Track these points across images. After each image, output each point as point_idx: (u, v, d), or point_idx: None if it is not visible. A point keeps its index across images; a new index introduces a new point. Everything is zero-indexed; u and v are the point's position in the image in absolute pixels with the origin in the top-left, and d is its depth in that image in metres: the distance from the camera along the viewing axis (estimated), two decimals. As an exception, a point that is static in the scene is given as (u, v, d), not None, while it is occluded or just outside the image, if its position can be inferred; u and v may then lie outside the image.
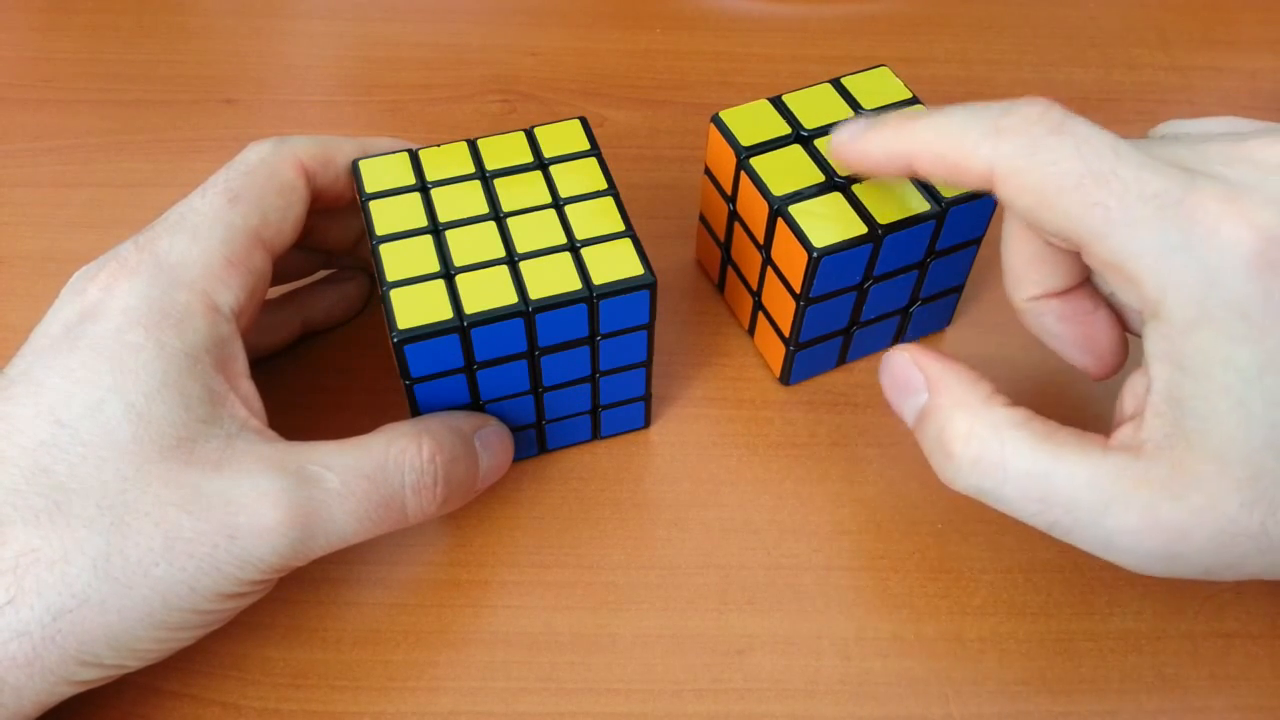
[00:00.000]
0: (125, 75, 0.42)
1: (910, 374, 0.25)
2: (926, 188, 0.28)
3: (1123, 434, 0.22)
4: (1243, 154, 0.22)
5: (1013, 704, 0.26)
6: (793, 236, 0.28)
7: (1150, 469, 0.21)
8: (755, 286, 0.31)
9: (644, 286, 0.26)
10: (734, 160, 0.30)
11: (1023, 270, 0.25)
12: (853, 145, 0.26)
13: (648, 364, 0.29)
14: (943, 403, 0.24)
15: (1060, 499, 0.22)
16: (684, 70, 0.43)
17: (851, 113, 0.30)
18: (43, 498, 0.21)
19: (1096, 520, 0.22)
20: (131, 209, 0.36)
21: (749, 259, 0.31)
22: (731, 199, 0.31)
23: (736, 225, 0.31)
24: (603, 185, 0.28)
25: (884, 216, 0.28)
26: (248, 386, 0.25)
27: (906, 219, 0.28)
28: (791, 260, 0.28)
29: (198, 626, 0.23)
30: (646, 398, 0.30)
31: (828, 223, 0.28)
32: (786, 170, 0.29)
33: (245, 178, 0.26)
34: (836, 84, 0.31)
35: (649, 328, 0.27)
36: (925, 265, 0.30)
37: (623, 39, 0.44)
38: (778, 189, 0.28)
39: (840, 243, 0.27)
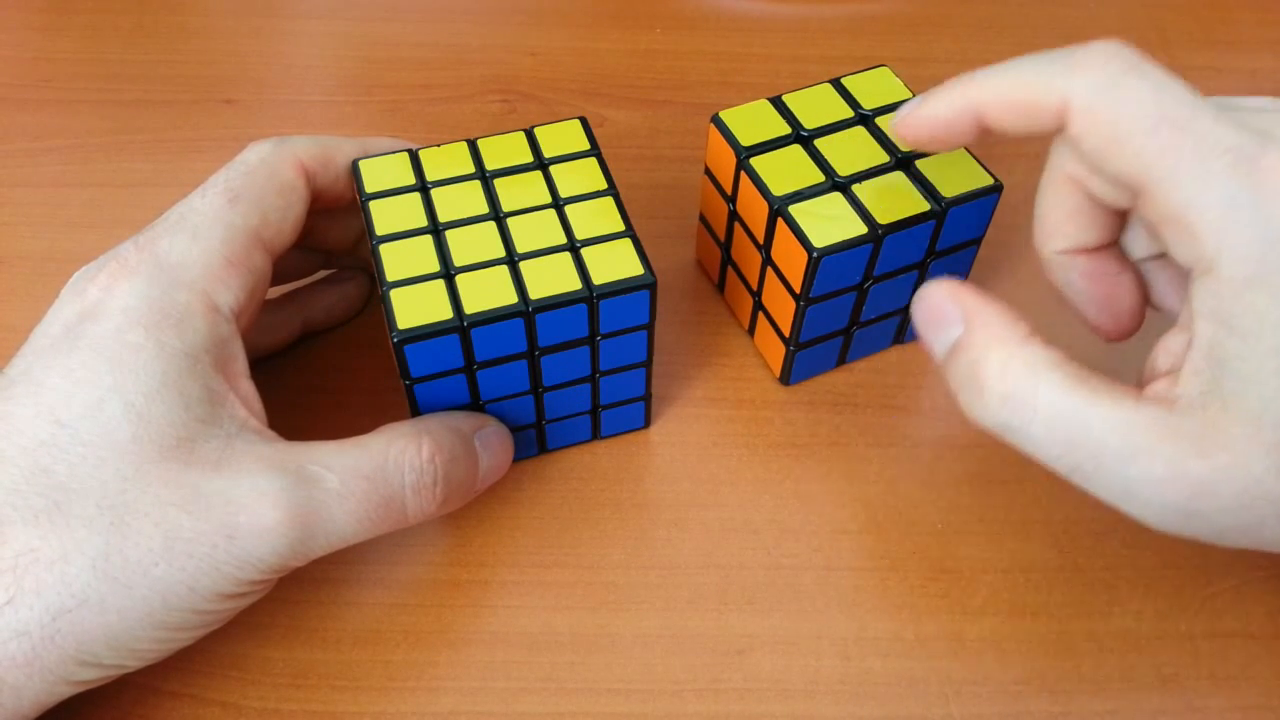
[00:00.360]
0: (125, 75, 0.42)
1: (947, 307, 0.24)
2: (926, 187, 0.28)
3: (1157, 388, 0.22)
4: None
5: (1013, 704, 0.26)
6: (793, 236, 0.28)
7: (1182, 423, 0.21)
8: (755, 286, 0.31)
9: (644, 286, 0.26)
10: (734, 160, 0.30)
11: (1058, 222, 0.25)
12: (918, 112, 0.25)
13: (648, 364, 0.29)
14: (979, 337, 0.23)
15: (1087, 443, 0.22)
16: (684, 70, 0.43)
17: (852, 113, 0.30)
18: (42, 497, 0.21)
19: (1121, 468, 0.21)
20: (131, 209, 0.36)
21: (749, 259, 0.31)
22: (731, 199, 0.31)
23: (736, 225, 0.31)
24: (603, 185, 0.28)
25: (884, 216, 0.28)
26: (247, 386, 0.25)
27: (906, 219, 0.28)
28: (791, 260, 0.28)
29: (197, 627, 0.23)
30: (646, 398, 0.30)
31: (828, 223, 0.28)
32: (786, 170, 0.29)
33: (245, 178, 0.26)
34: (836, 84, 0.31)
35: (649, 328, 0.27)
36: (925, 265, 0.30)
37: (623, 39, 0.44)
38: (778, 189, 0.28)
39: (840, 243, 0.27)
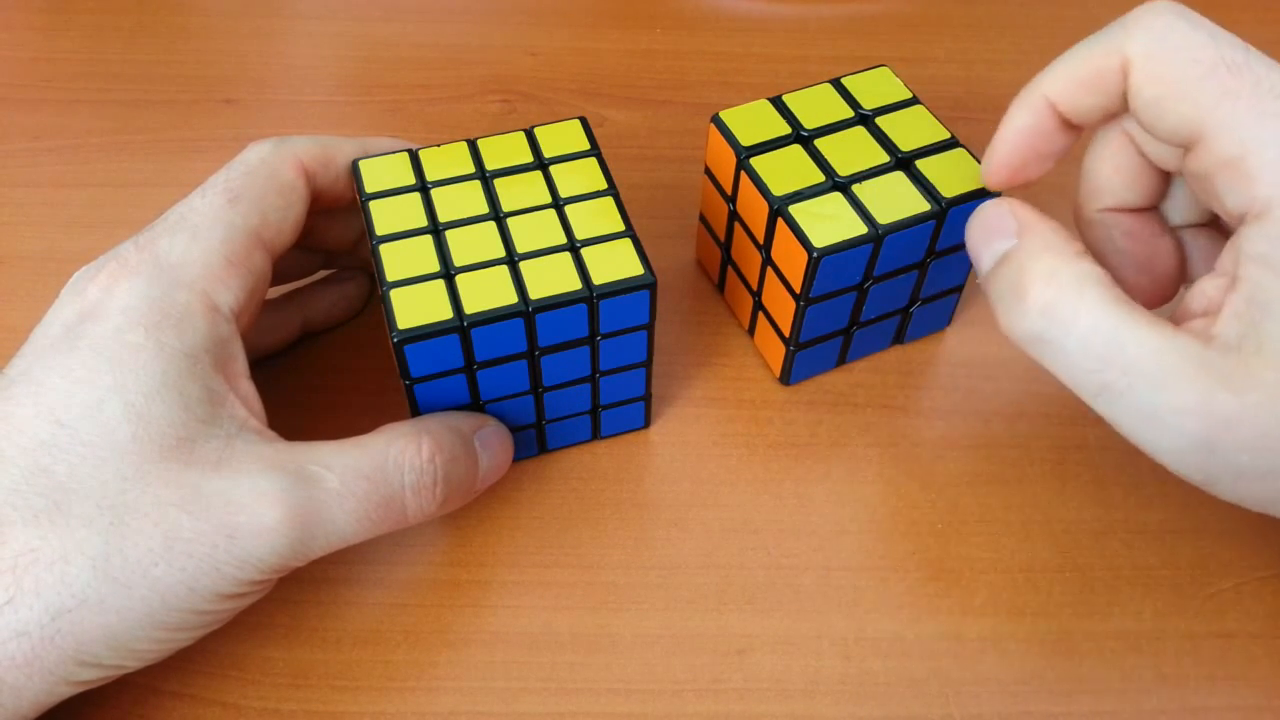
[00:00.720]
0: (125, 75, 0.42)
1: (1005, 219, 0.24)
2: (926, 187, 0.28)
3: (1194, 325, 0.23)
4: None
5: (1013, 704, 0.26)
6: (793, 236, 0.28)
7: (1217, 358, 0.21)
8: (755, 286, 0.31)
9: (644, 286, 0.26)
10: (734, 160, 0.30)
11: (1106, 178, 0.25)
12: (998, 142, 0.26)
13: (648, 364, 0.29)
14: (1031, 244, 0.23)
15: (1121, 361, 0.22)
16: (684, 70, 0.43)
17: (852, 113, 0.30)
18: (42, 498, 0.21)
19: (1151, 391, 0.21)
20: (131, 209, 0.36)
21: (749, 259, 0.31)
22: (731, 199, 0.31)
23: (736, 225, 0.31)
24: (603, 185, 0.28)
25: (884, 216, 0.28)
26: (247, 387, 0.25)
27: (906, 219, 0.28)
28: (791, 260, 0.28)
29: (197, 627, 0.23)
30: (646, 398, 0.30)
31: (828, 223, 0.28)
32: (786, 170, 0.29)
33: (245, 178, 0.26)
34: (836, 84, 0.31)
35: (649, 328, 0.27)
36: (925, 265, 0.30)
37: (623, 39, 0.44)
38: (778, 189, 0.28)
39: (840, 243, 0.27)
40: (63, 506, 0.21)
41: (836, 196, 0.28)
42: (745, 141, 0.29)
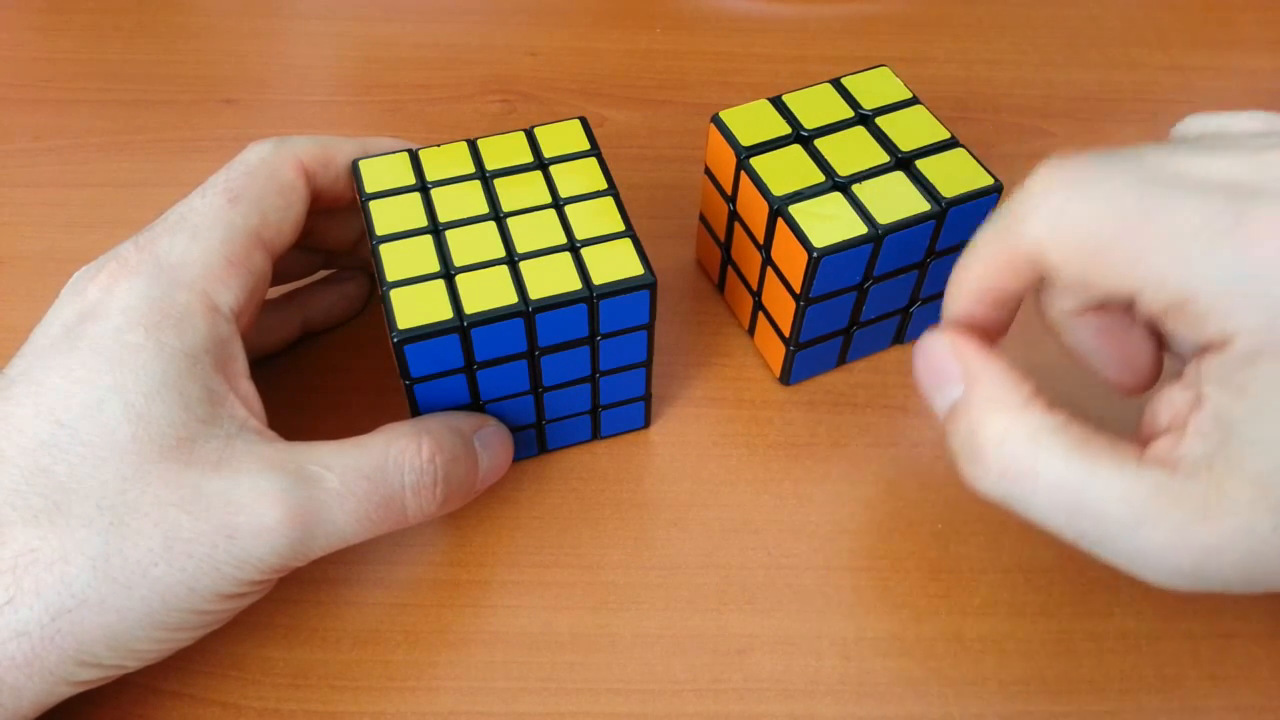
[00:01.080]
0: (125, 75, 0.42)
1: (948, 364, 0.24)
2: (926, 187, 0.28)
3: (1159, 448, 0.22)
4: None
5: (1013, 704, 0.26)
6: (793, 236, 0.28)
7: (1186, 488, 0.21)
8: (755, 286, 0.31)
9: (644, 286, 0.26)
10: (734, 160, 0.30)
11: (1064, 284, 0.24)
12: (950, 306, 0.25)
13: (648, 364, 0.29)
14: (979, 400, 0.23)
15: (1091, 512, 0.21)
16: (684, 70, 0.43)
17: (852, 113, 0.30)
18: (42, 498, 0.21)
19: (1127, 535, 0.21)
20: (131, 209, 0.36)
21: (749, 259, 0.31)
22: (731, 199, 0.31)
23: (736, 225, 0.31)
24: (603, 185, 0.28)
25: (884, 216, 0.28)
26: (247, 387, 0.25)
27: (906, 219, 0.28)
28: (791, 260, 0.28)
29: (197, 627, 0.23)
30: (646, 398, 0.30)
31: (828, 223, 0.28)
32: (786, 170, 0.29)
33: (245, 178, 0.26)
34: (836, 84, 0.31)
35: (649, 328, 0.27)
36: (925, 265, 0.30)
37: (623, 39, 0.44)
38: (778, 189, 0.28)
39: (840, 243, 0.27)
40: (62, 506, 0.21)
41: (836, 196, 0.28)
42: (745, 141, 0.29)
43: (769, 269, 0.30)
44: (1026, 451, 0.22)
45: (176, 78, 0.42)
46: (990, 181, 0.29)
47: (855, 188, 0.28)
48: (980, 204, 0.29)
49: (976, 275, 0.24)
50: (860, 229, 0.27)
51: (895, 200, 0.28)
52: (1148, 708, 0.26)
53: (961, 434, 0.23)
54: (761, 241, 0.30)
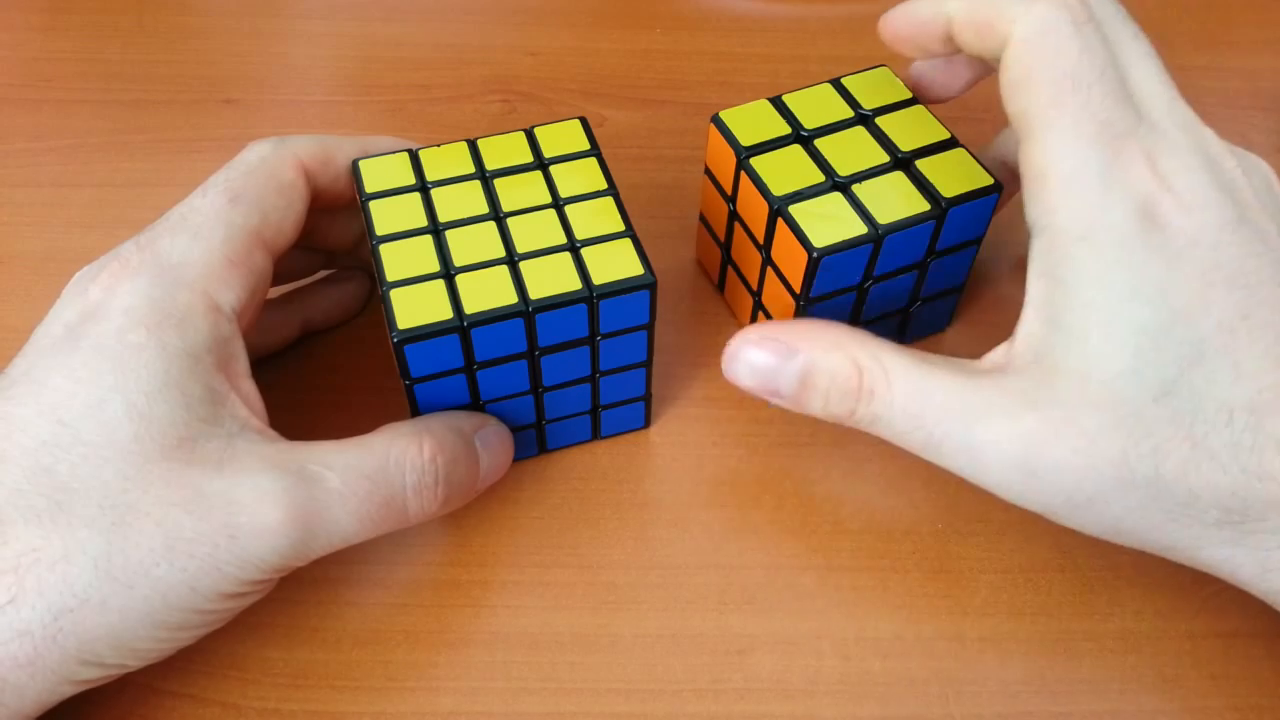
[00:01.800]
0: (125, 75, 0.42)
1: (772, 347, 0.26)
2: (926, 188, 0.28)
3: (994, 356, 0.24)
4: (1198, 132, 0.24)
5: (1013, 704, 0.26)
6: (793, 236, 0.28)
7: (1016, 381, 0.23)
8: (755, 286, 0.31)
9: (644, 286, 0.26)
10: (734, 160, 0.30)
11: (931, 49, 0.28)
12: (901, 10, 0.28)
13: (648, 364, 0.29)
14: (818, 350, 0.25)
15: (933, 412, 0.23)
16: (684, 70, 0.43)
17: (852, 113, 0.30)
18: (44, 497, 0.21)
19: (965, 430, 0.23)
20: (131, 209, 0.36)
21: (749, 259, 0.31)
22: (731, 199, 0.31)
23: (736, 225, 0.31)
24: (603, 185, 0.28)
25: (884, 216, 0.28)
26: (249, 386, 0.25)
27: (906, 219, 0.28)
28: (792, 260, 0.28)
29: (198, 626, 0.23)
30: (646, 398, 0.30)
31: (828, 223, 0.28)
32: (787, 170, 0.29)
33: (246, 178, 0.26)
34: (836, 84, 0.31)
35: (649, 328, 0.27)
36: (925, 265, 0.30)
37: (623, 39, 0.44)
38: (778, 189, 0.28)
39: (840, 243, 0.27)
40: (64, 506, 0.21)
41: (836, 196, 0.28)
42: (745, 141, 0.29)
43: (769, 269, 0.30)
44: (878, 372, 0.24)
45: (176, 78, 0.42)
46: (990, 181, 0.29)
47: (855, 188, 0.28)
48: (980, 204, 0.29)
49: (966, 6, 0.26)
50: (860, 229, 0.27)
51: (895, 200, 0.28)
52: (1148, 708, 0.26)
53: (821, 383, 0.25)
54: (761, 241, 0.30)
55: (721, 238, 0.33)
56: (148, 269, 0.24)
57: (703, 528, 0.29)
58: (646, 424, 0.31)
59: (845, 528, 0.29)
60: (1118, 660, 0.27)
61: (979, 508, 0.30)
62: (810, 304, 0.29)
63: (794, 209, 0.28)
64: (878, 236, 0.27)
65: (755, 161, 0.29)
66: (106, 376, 0.22)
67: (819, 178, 0.29)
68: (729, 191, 0.31)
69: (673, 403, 0.32)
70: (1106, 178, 0.22)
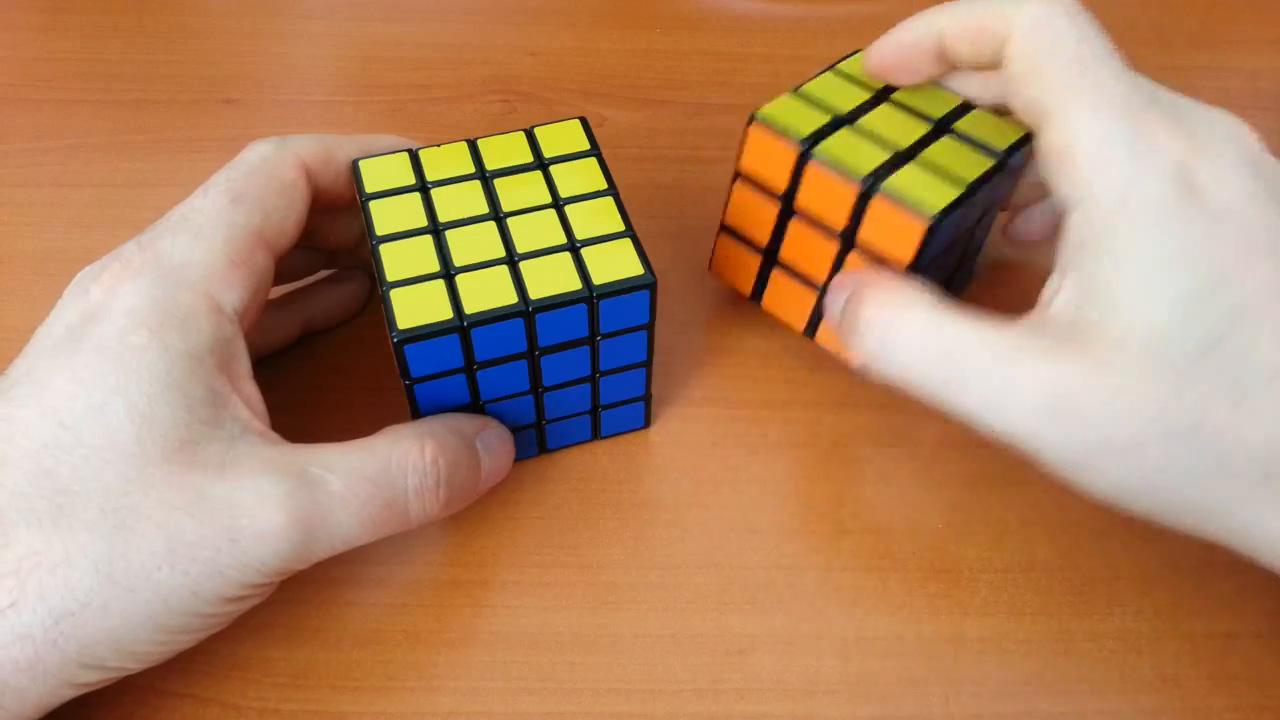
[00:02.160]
0: (125, 75, 0.42)
1: (841, 281, 0.27)
2: (977, 144, 0.28)
3: (1029, 317, 0.24)
4: (1208, 109, 0.25)
5: (1013, 704, 0.26)
6: (895, 210, 0.27)
7: (1052, 331, 0.23)
8: (825, 279, 0.30)
9: (644, 286, 0.26)
10: (792, 155, 0.28)
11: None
12: (886, 41, 0.29)
13: (648, 364, 0.29)
14: (863, 284, 0.26)
15: (961, 349, 0.23)
16: (684, 70, 0.43)
17: (871, 93, 0.30)
18: (45, 500, 0.21)
19: (994, 366, 0.23)
20: (131, 209, 0.36)
21: (815, 254, 0.30)
22: (787, 196, 0.29)
23: (792, 224, 0.30)
24: (603, 185, 0.28)
25: (968, 173, 0.28)
26: (250, 388, 0.25)
27: (980, 175, 0.28)
28: (893, 236, 0.27)
29: (199, 629, 0.23)
30: (646, 398, 0.30)
31: (924, 191, 0.27)
32: (854, 152, 0.28)
33: (247, 178, 0.26)
34: (836, 70, 0.31)
35: (649, 328, 0.27)
36: (991, 212, 0.30)
37: (623, 39, 0.44)
38: (859, 170, 0.27)
39: (946, 207, 0.27)
40: (66, 509, 0.21)
41: (912, 168, 0.28)
42: (801, 133, 0.28)
43: (848, 256, 0.29)
44: (901, 306, 0.25)
45: (176, 78, 0.42)
46: (1022, 132, 0.29)
47: (921, 156, 0.28)
48: (1022, 152, 0.29)
49: (957, 19, 0.27)
50: (956, 189, 0.27)
51: (960, 161, 0.28)
52: (1148, 708, 0.26)
53: (850, 312, 0.26)
54: (843, 228, 0.28)
55: (763, 243, 0.31)
56: (149, 270, 0.24)
57: (703, 528, 0.29)
58: (646, 424, 0.31)
59: (845, 528, 0.29)
60: (1118, 660, 0.27)
61: (979, 508, 0.30)
62: (916, 272, 0.28)
63: (888, 184, 0.27)
64: (971, 193, 0.27)
65: (822, 149, 0.28)
66: (108, 378, 0.22)
67: (885, 153, 0.28)
68: (782, 190, 0.29)
69: (673, 403, 0.32)
70: (1136, 147, 0.23)
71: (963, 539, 0.29)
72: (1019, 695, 0.26)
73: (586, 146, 0.29)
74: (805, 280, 0.31)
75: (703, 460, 0.31)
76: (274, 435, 0.24)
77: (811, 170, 0.28)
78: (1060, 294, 0.24)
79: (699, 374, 0.33)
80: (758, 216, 0.31)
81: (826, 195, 0.28)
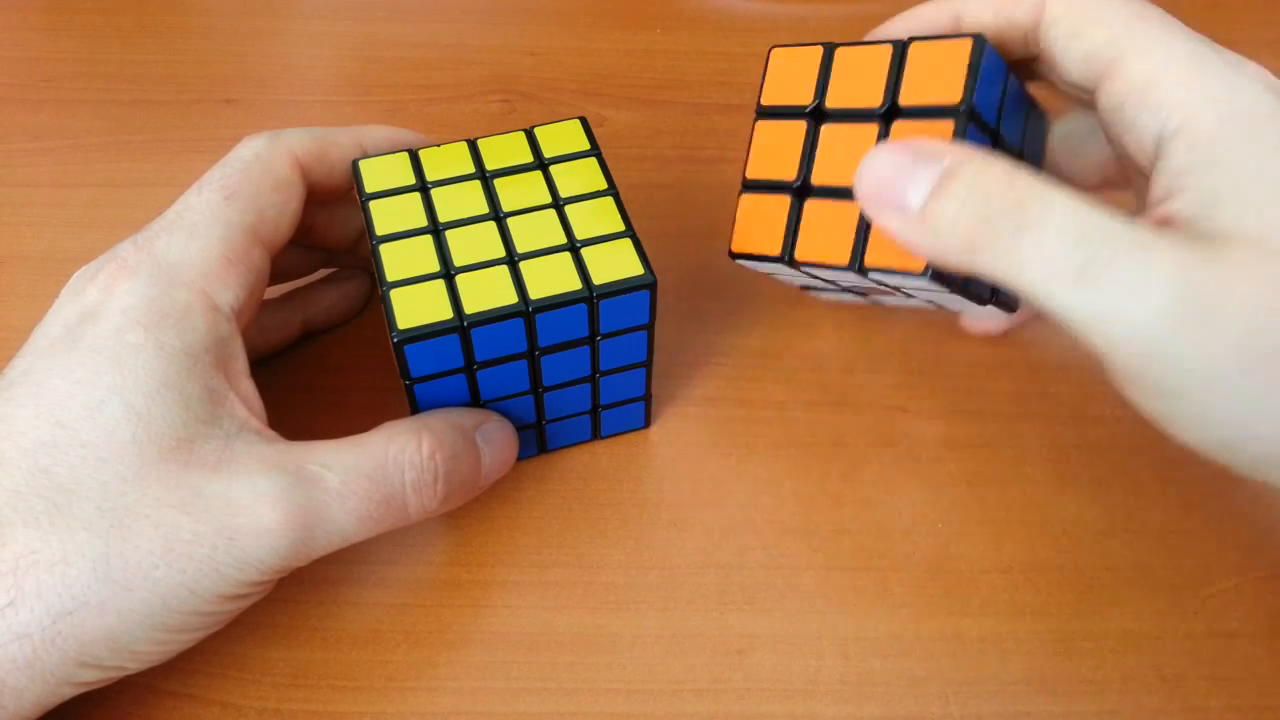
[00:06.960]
0: (125, 75, 0.42)
1: (924, 147, 0.23)
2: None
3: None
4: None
5: (1013, 704, 0.26)
6: (937, 43, 0.26)
7: (1192, 232, 0.22)
8: None
9: (644, 286, 0.26)
10: (817, 57, 0.28)
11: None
12: (900, 20, 0.28)
13: (648, 364, 0.29)
14: (972, 155, 0.22)
15: (1104, 235, 0.21)
16: (684, 70, 0.43)
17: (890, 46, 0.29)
18: (43, 499, 0.21)
19: (1134, 256, 0.21)
20: (131, 209, 0.36)
21: (855, 152, 0.26)
22: (820, 93, 0.28)
23: (824, 131, 0.28)
24: (603, 185, 0.28)
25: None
26: (248, 386, 0.25)
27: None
28: (940, 74, 0.25)
29: (198, 628, 0.23)
30: (646, 398, 0.30)
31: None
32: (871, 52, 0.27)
33: (240, 174, 0.26)
34: (830, 48, 0.30)
35: (649, 328, 0.27)
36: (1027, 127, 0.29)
37: (623, 39, 0.44)
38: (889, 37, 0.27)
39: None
40: (63, 508, 0.21)
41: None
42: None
43: (895, 125, 0.26)
44: (1039, 184, 0.22)
45: (176, 78, 0.42)
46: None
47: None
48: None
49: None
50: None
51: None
52: (1148, 708, 0.26)
53: (960, 191, 0.22)
54: (880, 101, 0.26)
55: (793, 176, 0.28)
56: (145, 269, 0.24)
57: (703, 528, 0.29)
58: (646, 424, 0.31)
59: (845, 528, 0.29)
60: (1118, 660, 0.27)
61: (979, 508, 0.30)
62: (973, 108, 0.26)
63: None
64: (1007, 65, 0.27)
65: (846, 48, 0.27)
66: (105, 377, 0.22)
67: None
68: (810, 99, 0.28)
69: (673, 403, 0.32)
70: (1224, 67, 0.23)
71: (963, 539, 0.29)
72: (1019, 695, 0.26)
73: (586, 146, 0.29)
74: (844, 194, 0.27)
75: (703, 460, 0.31)
76: (271, 433, 0.24)
77: (841, 53, 0.27)
78: (1181, 215, 0.22)
79: (699, 374, 0.33)
80: (785, 147, 0.29)
81: (860, 71, 0.27)
